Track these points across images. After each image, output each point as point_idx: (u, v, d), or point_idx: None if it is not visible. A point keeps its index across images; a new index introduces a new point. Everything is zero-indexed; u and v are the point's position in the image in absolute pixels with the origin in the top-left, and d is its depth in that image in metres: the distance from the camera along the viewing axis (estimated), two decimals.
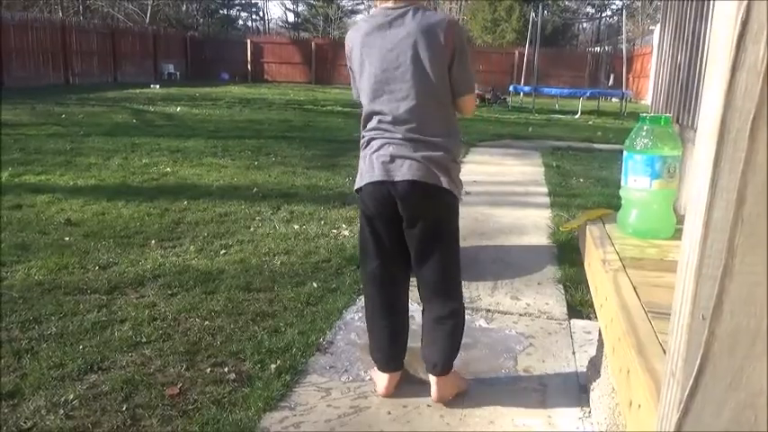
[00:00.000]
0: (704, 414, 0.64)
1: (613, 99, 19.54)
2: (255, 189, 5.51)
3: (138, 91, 17.15)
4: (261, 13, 46.00)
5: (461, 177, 2.12)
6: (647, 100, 18.15)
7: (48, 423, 1.99)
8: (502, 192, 5.96)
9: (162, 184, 5.63)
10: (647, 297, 1.30)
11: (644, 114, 1.81)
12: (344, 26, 37.43)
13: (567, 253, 3.85)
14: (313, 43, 28.28)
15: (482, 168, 7.01)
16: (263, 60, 27.43)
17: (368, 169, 2.03)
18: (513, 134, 10.48)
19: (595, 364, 2.18)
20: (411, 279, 2.25)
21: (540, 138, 10.20)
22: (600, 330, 1.90)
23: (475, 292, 3.23)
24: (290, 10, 45.42)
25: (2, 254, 3.55)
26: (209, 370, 2.36)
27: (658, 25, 6.34)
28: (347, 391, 2.26)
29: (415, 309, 2.40)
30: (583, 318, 2.99)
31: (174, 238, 4.00)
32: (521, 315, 3.00)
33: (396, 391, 2.22)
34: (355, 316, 2.89)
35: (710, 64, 0.62)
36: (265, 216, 4.64)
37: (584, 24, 36.32)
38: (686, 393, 0.64)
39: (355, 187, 2.13)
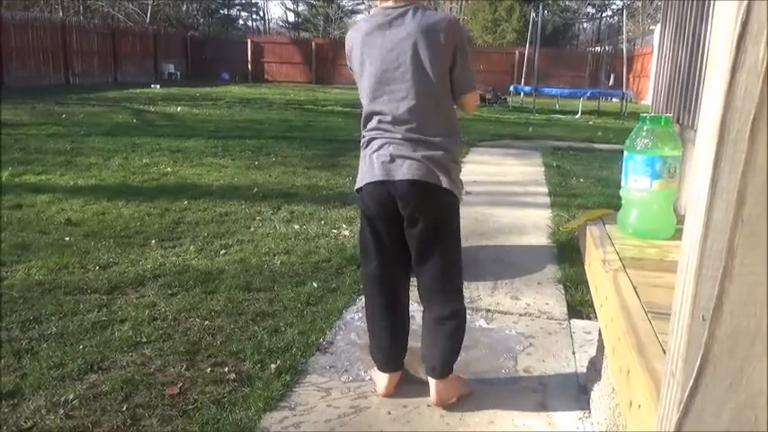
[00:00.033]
0: (704, 414, 0.64)
1: (614, 99, 19.54)
2: (256, 189, 5.51)
3: (138, 91, 17.15)
4: (261, 13, 46.10)
5: (462, 177, 2.12)
6: (648, 100, 18.14)
7: (48, 423, 1.99)
8: (502, 192, 5.96)
9: (162, 183, 5.64)
10: (647, 297, 1.30)
11: (644, 114, 1.81)
12: (345, 26, 37.43)
13: (567, 253, 3.85)
14: (313, 43, 28.29)
15: (482, 168, 7.01)
16: (264, 60, 27.44)
17: (368, 169, 2.03)
18: (513, 134, 10.48)
19: (595, 365, 2.18)
20: (411, 279, 2.25)
21: (540, 138, 10.20)
22: (600, 330, 1.90)
23: (475, 292, 3.23)
24: (290, 10, 45.45)
25: (2, 253, 3.55)
26: (209, 370, 2.36)
27: (659, 25, 6.35)
28: (347, 390, 2.26)
29: (415, 309, 2.40)
30: (583, 318, 2.99)
31: (174, 238, 4.00)
32: (521, 315, 3.00)
33: (396, 391, 2.22)
34: (355, 316, 2.89)
35: (711, 64, 0.62)
36: (265, 216, 4.64)
37: (585, 24, 36.34)
38: (686, 394, 0.64)
39: (356, 187, 2.13)
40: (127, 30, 24.62)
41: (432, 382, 2.16)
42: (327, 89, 22.54)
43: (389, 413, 2.13)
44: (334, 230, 4.33)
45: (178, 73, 25.07)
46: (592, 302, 1.89)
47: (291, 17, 44.84)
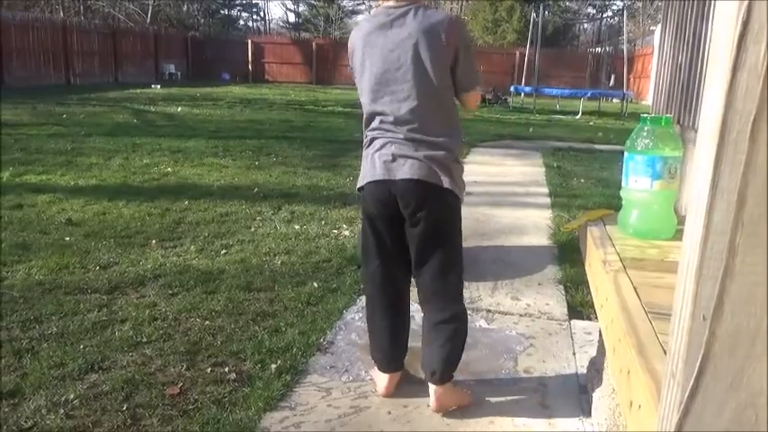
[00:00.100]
0: (705, 414, 0.64)
1: (614, 100, 19.53)
2: (256, 189, 5.52)
3: (138, 91, 17.15)
4: (262, 14, 46.10)
5: (463, 178, 2.12)
6: (648, 100, 18.15)
7: (48, 423, 1.99)
8: (503, 192, 5.96)
9: (163, 184, 5.64)
10: (647, 298, 1.30)
11: (645, 115, 1.81)
12: (345, 26, 37.42)
13: (568, 253, 3.85)
14: (314, 43, 28.27)
15: (483, 169, 7.01)
16: (264, 60, 27.44)
17: (370, 168, 2.03)
18: (513, 134, 10.48)
19: (596, 365, 2.18)
20: (412, 279, 2.25)
21: (540, 138, 10.20)
22: (600, 331, 1.90)
23: (475, 293, 3.23)
24: (290, 10, 45.50)
25: (3, 253, 3.55)
26: (209, 370, 2.36)
27: (659, 26, 6.35)
28: (347, 390, 2.26)
29: (415, 309, 2.39)
30: (583, 318, 2.99)
31: (174, 238, 4.01)
32: (521, 315, 3.00)
33: (396, 391, 2.22)
34: (356, 316, 2.89)
35: (711, 64, 0.62)
36: (266, 216, 4.64)
37: (585, 25, 36.30)
38: (687, 394, 0.64)
39: (357, 186, 2.13)
40: (127, 30, 24.62)
41: (431, 388, 2.12)
42: (328, 90, 22.54)
43: (390, 413, 2.13)
44: (334, 231, 4.33)
45: (179, 73, 25.08)
46: (592, 303, 1.89)
47: (292, 17, 44.87)
